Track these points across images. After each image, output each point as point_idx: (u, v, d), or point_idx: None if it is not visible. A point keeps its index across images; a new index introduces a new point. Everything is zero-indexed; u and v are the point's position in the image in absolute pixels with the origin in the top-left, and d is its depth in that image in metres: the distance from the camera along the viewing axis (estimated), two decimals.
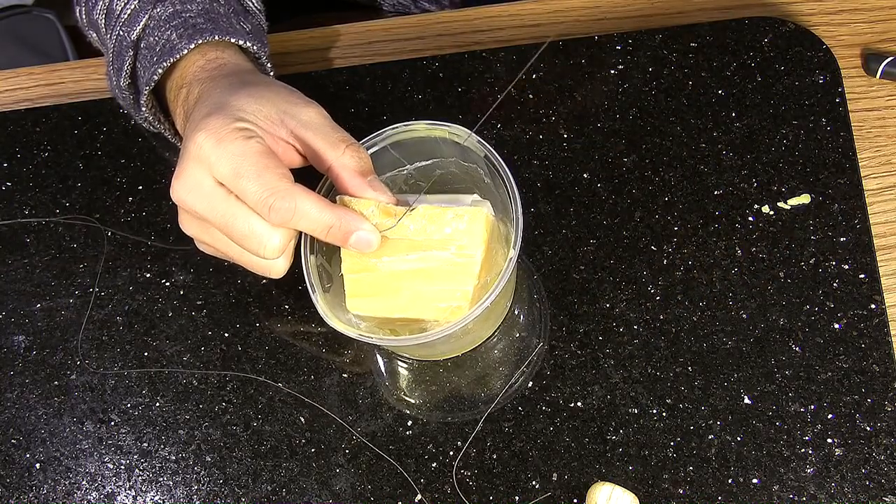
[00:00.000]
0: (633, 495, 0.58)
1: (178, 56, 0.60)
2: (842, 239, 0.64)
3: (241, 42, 0.62)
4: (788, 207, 0.65)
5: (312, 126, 0.55)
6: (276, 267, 0.56)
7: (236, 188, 0.52)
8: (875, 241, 0.64)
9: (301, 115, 0.55)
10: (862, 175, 0.66)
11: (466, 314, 0.54)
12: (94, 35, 0.68)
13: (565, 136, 0.69)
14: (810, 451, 0.59)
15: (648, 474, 0.59)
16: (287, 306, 0.66)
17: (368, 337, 0.56)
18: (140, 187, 0.71)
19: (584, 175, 0.68)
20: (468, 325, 0.55)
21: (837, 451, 0.59)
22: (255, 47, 0.62)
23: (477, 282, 0.55)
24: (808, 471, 0.59)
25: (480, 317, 0.55)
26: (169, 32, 0.60)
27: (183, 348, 0.66)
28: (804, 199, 0.65)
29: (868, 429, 0.59)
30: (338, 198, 0.57)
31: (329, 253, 0.60)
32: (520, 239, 0.55)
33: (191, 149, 0.52)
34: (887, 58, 0.68)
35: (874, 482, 0.58)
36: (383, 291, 0.56)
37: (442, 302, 0.56)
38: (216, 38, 0.60)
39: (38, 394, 0.66)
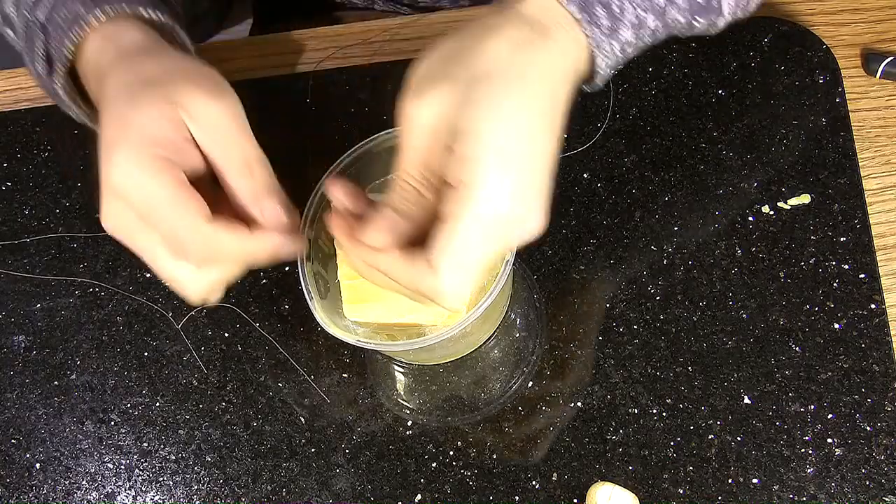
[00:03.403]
0: (633, 495, 0.58)
1: (85, 27, 0.54)
2: (842, 239, 0.64)
3: (151, 14, 0.56)
4: (788, 207, 0.65)
5: (212, 136, 0.50)
6: (205, 302, 0.53)
7: (151, 224, 0.48)
8: (875, 241, 0.64)
9: (203, 117, 0.49)
10: (862, 175, 0.66)
11: (463, 318, 0.54)
12: (10, 32, 0.63)
13: (565, 136, 0.69)
14: (810, 451, 0.59)
15: (648, 474, 0.59)
16: (287, 306, 0.66)
17: (367, 343, 0.56)
18: None
19: (584, 175, 0.68)
20: (465, 329, 0.55)
21: (837, 451, 0.59)
22: (164, 18, 0.57)
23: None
24: (808, 471, 0.59)
25: (478, 320, 0.55)
26: (75, 6, 0.55)
27: (183, 348, 0.66)
28: (804, 199, 0.65)
29: (868, 429, 0.59)
30: (332, 207, 0.56)
31: (325, 259, 0.60)
32: None
33: (105, 182, 0.49)
34: (887, 58, 0.68)
35: (874, 482, 0.58)
36: (380, 297, 0.56)
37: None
38: (123, 7, 0.55)
39: (38, 394, 0.66)
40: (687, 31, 0.55)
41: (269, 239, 0.49)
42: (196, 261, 0.49)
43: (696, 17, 0.53)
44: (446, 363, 0.64)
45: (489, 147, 0.44)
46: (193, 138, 0.49)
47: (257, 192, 0.50)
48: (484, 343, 0.64)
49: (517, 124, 0.45)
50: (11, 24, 0.61)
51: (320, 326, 0.61)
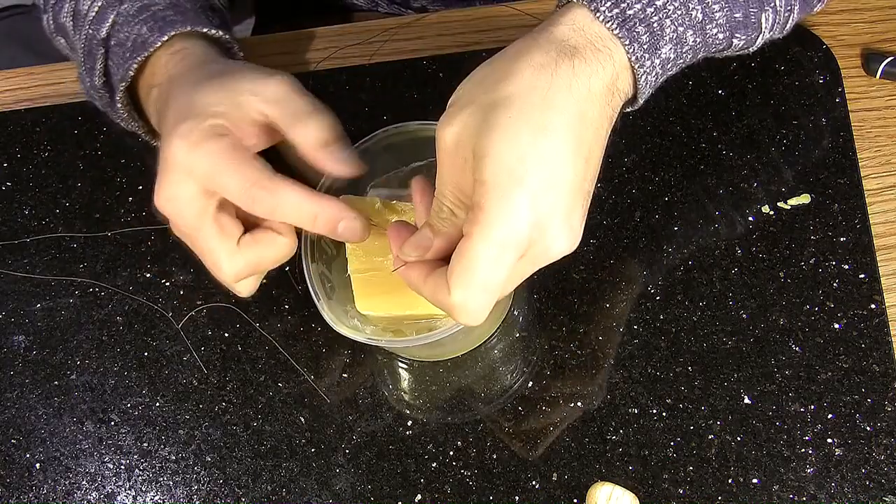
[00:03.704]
0: (633, 495, 0.58)
1: (151, 50, 0.58)
2: (842, 239, 0.64)
3: (212, 32, 0.61)
4: (788, 207, 0.65)
5: (277, 100, 0.54)
6: (236, 288, 0.57)
7: (217, 186, 0.52)
8: (875, 241, 0.64)
9: (265, 91, 0.54)
10: (862, 175, 0.66)
11: None
12: (63, 41, 0.66)
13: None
14: (810, 451, 0.59)
15: (648, 474, 0.59)
16: (287, 306, 0.66)
17: (377, 340, 0.56)
18: (140, 187, 0.71)
19: None
20: None
21: (837, 451, 0.59)
22: (227, 36, 0.62)
23: None
24: (808, 471, 0.59)
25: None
26: (139, 27, 0.59)
27: (182, 348, 0.66)
28: (804, 199, 0.65)
29: (868, 429, 0.59)
30: (341, 198, 0.57)
31: (328, 261, 0.60)
32: None
33: (168, 158, 0.52)
34: (887, 58, 0.68)
35: (874, 482, 0.58)
36: (392, 289, 0.56)
37: None
38: (188, 28, 0.59)
39: (38, 394, 0.66)
40: (726, 48, 0.54)
41: (334, 204, 0.53)
42: (262, 211, 0.52)
43: (736, 33, 0.53)
44: (446, 364, 0.64)
45: (502, 170, 0.45)
46: (255, 120, 0.53)
47: (326, 138, 0.54)
48: (486, 341, 0.64)
49: (535, 147, 0.45)
50: (66, 33, 0.65)
51: (320, 327, 0.61)
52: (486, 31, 0.74)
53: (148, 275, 0.68)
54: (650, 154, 0.68)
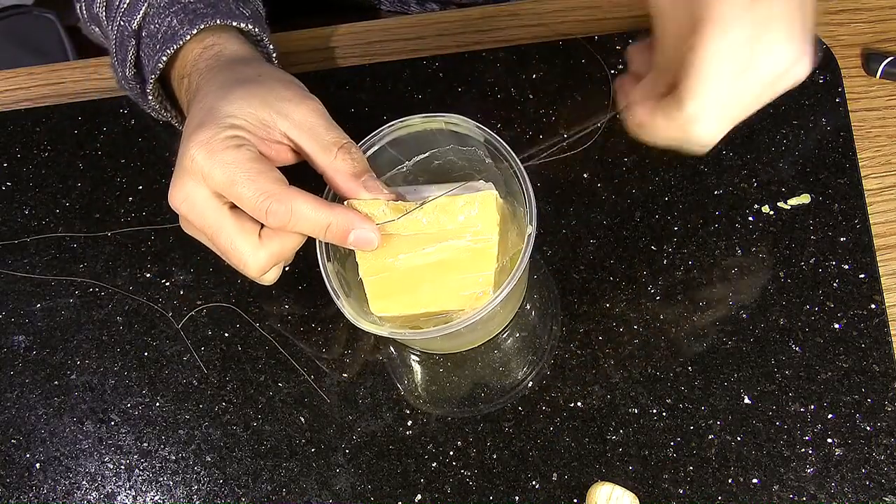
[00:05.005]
0: (633, 495, 0.58)
1: (180, 42, 0.59)
2: (842, 239, 0.64)
3: (242, 25, 0.61)
4: (788, 207, 0.65)
5: (305, 127, 0.55)
6: (261, 280, 0.57)
7: (232, 196, 0.52)
8: (875, 241, 0.64)
9: (294, 114, 0.55)
10: (862, 175, 0.66)
11: (496, 294, 0.55)
12: (97, 29, 0.67)
13: (564, 135, 0.69)
14: (810, 451, 0.59)
15: (648, 474, 0.59)
16: (287, 306, 0.66)
17: (399, 333, 0.56)
18: (140, 187, 0.71)
19: (584, 175, 0.68)
20: (496, 308, 0.55)
21: (837, 451, 0.59)
22: (256, 29, 0.62)
23: (497, 264, 0.56)
24: (808, 471, 0.59)
25: (504, 298, 0.55)
26: (169, 19, 0.60)
27: (182, 348, 0.66)
28: (804, 199, 0.65)
29: (868, 429, 0.59)
30: (346, 202, 0.57)
31: (342, 259, 0.60)
32: (535, 214, 0.55)
33: (185, 162, 0.53)
34: (887, 58, 0.68)
35: (874, 482, 0.58)
36: (405, 289, 0.56)
37: (465, 290, 0.56)
38: (217, 21, 0.60)
39: (38, 394, 0.66)
40: None
41: (346, 214, 0.54)
42: (275, 223, 0.53)
43: None
44: (447, 364, 0.64)
45: None
46: (276, 140, 0.55)
47: (357, 170, 0.55)
48: (487, 342, 0.64)
49: None
50: (99, 23, 0.66)
51: (320, 327, 0.61)
52: (486, 31, 0.74)
53: (148, 275, 0.68)
54: (650, 154, 0.68)
